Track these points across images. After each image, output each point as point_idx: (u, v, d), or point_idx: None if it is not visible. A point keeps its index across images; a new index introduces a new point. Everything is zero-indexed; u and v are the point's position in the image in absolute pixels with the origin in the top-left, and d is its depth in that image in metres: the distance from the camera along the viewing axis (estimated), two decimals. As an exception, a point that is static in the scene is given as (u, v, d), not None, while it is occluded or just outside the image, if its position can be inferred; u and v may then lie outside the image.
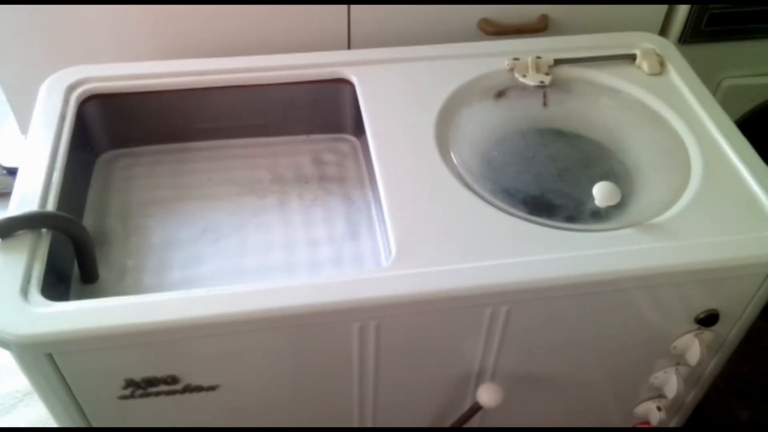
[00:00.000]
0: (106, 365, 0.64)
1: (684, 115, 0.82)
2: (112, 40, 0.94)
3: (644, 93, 0.85)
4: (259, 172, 0.86)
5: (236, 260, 0.76)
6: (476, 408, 0.75)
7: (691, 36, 1.03)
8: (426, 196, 0.72)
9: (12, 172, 1.35)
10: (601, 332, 0.74)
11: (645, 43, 0.90)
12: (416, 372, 0.74)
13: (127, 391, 0.67)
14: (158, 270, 0.75)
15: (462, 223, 0.69)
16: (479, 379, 0.77)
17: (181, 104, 0.85)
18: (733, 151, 0.77)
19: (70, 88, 0.81)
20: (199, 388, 0.68)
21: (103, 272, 0.74)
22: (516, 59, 0.86)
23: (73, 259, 0.72)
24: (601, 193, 0.72)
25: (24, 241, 0.65)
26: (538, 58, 0.86)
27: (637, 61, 0.88)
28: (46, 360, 0.61)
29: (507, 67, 0.86)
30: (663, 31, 1.04)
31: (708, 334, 0.76)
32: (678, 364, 0.81)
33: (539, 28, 0.99)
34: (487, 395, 0.73)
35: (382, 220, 0.72)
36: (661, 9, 1.02)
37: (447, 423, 0.82)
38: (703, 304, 0.73)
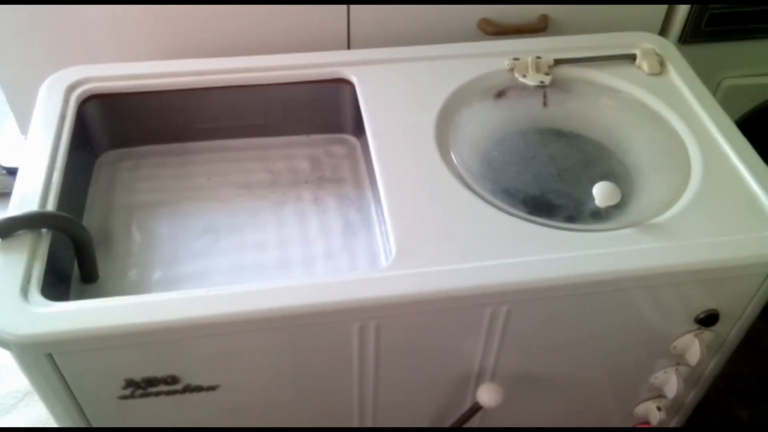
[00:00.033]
0: (106, 365, 0.64)
1: (684, 115, 0.82)
2: (112, 40, 0.94)
3: (644, 93, 0.85)
4: (259, 172, 0.86)
5: (236, 260, 0.76)
6: (476, 408, 0.75)
7: (691, 36, 1.03)
8: (426, 196, 0.72)
9: (12, 172, 1.35)
10: (601, 332, 0.74)
11: (645, 43, 0.90)
12: (416, 372, 0.74)
13: (127, 391, 0.67)
14: (158, 270, 0.75)
15: (462, 223, 0.69)
16: (479, 379, 0.77)
17: (181, 104, 0.85)
18: (733, 151, 0.77)
19: (70, 88, 0.81)
20: (199, 388, 0.68)
21: (103, 272, 0.74)
22: (516, 59, 0.86)
23: (73, 259, 0.72)
24: (601, 193, 0.72)
25: (24, 241, 0.65)
26: (538, 58, 0.86)
27: (637, 61, 0.88)
28: (46, 360, 0.61)
29: (507, 67, 0.86)
30: (663, 31, 1.04)
31: (708, 334, 0.76)
32: (678, 364, 0.81)
33: (539, 28, 0.99)
34: (487, 395, 0.73)
35: (383, 220, 0.72)
36: (661, 9, 1.02)
37: (447, 423, 0.82)
38: (703, 304, 0.73)
